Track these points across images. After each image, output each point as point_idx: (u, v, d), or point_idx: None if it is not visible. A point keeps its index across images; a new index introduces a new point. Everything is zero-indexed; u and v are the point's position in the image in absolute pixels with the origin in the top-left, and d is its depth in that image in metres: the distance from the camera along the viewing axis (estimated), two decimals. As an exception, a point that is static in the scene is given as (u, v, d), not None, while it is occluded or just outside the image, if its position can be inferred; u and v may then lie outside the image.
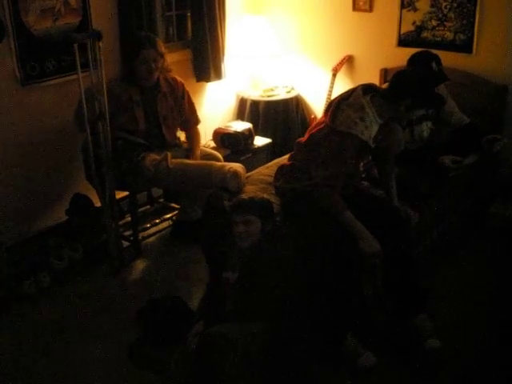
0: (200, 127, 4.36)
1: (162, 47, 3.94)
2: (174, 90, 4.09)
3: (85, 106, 3.61)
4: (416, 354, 3.05)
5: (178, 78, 4.18)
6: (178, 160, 3.87)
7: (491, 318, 3.38)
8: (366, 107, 3.08)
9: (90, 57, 3.60)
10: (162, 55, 3.93)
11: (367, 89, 3.18)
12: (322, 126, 3.21)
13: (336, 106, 3.15)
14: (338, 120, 3.09)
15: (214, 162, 3.91)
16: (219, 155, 4.20)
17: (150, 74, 3.89)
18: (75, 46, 3.54)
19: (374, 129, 3.13)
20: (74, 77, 4.00)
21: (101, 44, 3.57)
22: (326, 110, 3.24)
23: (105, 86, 3.63)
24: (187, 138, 4.30)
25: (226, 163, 3.91)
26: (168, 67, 4.08)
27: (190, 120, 4.25)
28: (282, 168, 3.51)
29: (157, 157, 3.82)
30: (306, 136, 3.35)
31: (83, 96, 3.62)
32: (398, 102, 3.06)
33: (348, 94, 3.19)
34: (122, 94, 3.88)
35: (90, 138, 3.69)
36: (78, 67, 3.56)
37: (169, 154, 3.83)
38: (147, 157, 3.80)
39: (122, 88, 3.89)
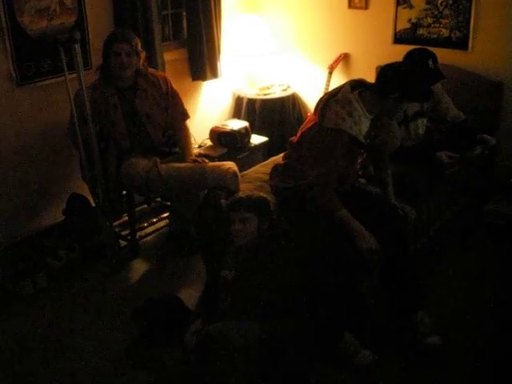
0: (197, 126, 4.35)
1: (138, 45, 3.82)
2: (156, 85, 3.93)
3: (74, 109, 3.58)
4: (415, 351, 3.05)
5: (160, 73, 4.08)
6: (169, 165, 3.78)
7: (491, 314, 3.38)
8: (353, 102, 3.08)
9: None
10: (137, 52, 3.80)
11: (355, 84, 3.18)
12: (312, 124, 3.21)
13: (324, 104, 3.15)
14: (327, 117, 3.09)
15: (205, 164, 3.89)
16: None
17: (122, 69, 3.76)
18: (60, 48, 3.49)
19: (364, 124, 3.13)
20: (70, 77, 4.01)
21: (76, 46, 3.45)
22: (316, 108, 3.24)
23: (85, 90, 3.53)
24: (178, 138, 4.08)
25: (220, 163, 3.89)
26: (144, 67, 3.92)
27: (176, 115, 4.03)
28: (276, 167, 3.51)
29: (146, 162, 3.76)
30: (298, 135, 3.35)
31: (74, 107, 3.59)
32: (386, 96, 3.05)
33: (336, 91, 3.20)
34: (99, 98, 3.78)
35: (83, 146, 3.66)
36: (65, 68, 3.50)
37: (158, 160, 3.76)
38: (135, 164, 3.74)
39: (97, 92, 3.79)
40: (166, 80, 4.02)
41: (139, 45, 3.85)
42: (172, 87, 4.03)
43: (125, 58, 3.74)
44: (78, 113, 3.60)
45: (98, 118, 3.74)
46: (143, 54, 3.89)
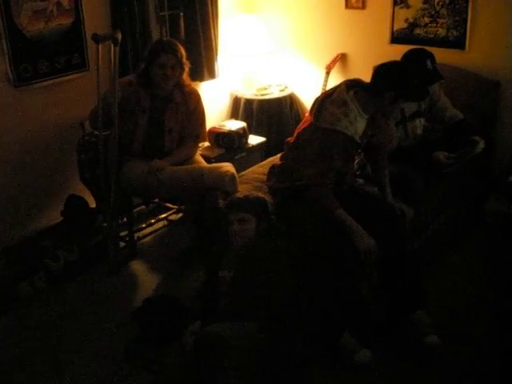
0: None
1: (183, 56, 3.78)
2: (187, 102, 3.90)
3: (101, 109, 3.58)
4: (414, 350, 3.05)
5: (195, 90, 4.03)
6: (167, 169, 3.73)
7: (489, 313, 3.38)
8: (349, 102, 3.08)
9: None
10: (181, 65, 3.77)
11: (351, 84, 3.19)
12: (308, 124, 3.21)
13: (320, 104, 3.16)
14: (322, 117, 3.10)
15: (202, 165, 3.88)
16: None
17: (165, 81, 3.74)
18: (99, 46, 3.48)
19: (360, 124, 3.13)
20: (68, 78, 4.02)
21: (116, 48, 3.46)
22: (312, 108, 3.24)
23: (117, 90, 3.54)
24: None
25: (217, 165, 3.88)
26: (187, 81, 3.91)
27: (191, 134, 3.96)
28: (273, 168, 3.51)
29: (143, 165, 3.73)
30: (295, 135, 3.36)
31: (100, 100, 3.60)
32: (381, 95, 3.06)
33: (332, 91, 3.20)
34: (131, 96, 3.76)
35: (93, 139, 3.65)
36: (98, 67, 3.50)
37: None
38: (133, 167, 3.74)
39: (131, 91, 3.76)
40: (197, 97, 3.98)
41: (184, 56, 3.80)
42: (200, 106, 3.99)
43: (169, 70, 3.72)
44: (104, 112, 3.59)
45: (121, 116, 3.69)
46: (187, 66, 3.85)
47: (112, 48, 3.44)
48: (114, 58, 3.46)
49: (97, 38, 3.48)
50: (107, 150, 3.67)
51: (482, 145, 3.88)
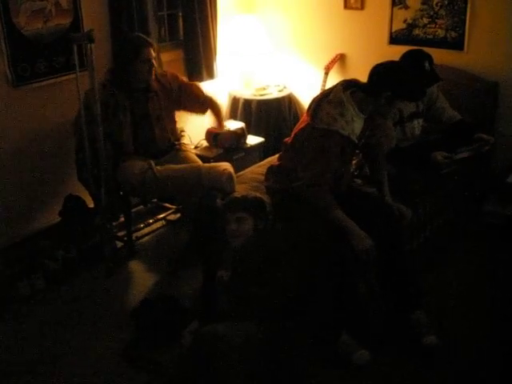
0: (193, 127, 4.34)
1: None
2: (167, 87, 3.96)
3: (83, 110, 3.58)
4: (413, 350, 3.05)
5: (168, 72, 4.10)
6: (165, 166, 3.77)
7: (489, 313, 3.38)
8: (345, 102, 3.08)
9: (85, 58, 3.58)
10: (156, 54, 3.87)
11: (348, 84, 3.19)
12: (305, 124, 3.21)
13: (317, 104, 3.16)
14: (319, 118, 3.10)
15: (201, 164, 3.89)
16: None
17: (150, 74, 3.80)
18: (74, 46, 3.50)
19: (357, 124, 3.13)
20: (66, 78, 4.01)
21: (92, 46, 3.47)
22: (308, 109, 3.24)
23: (97, 89, 3.54)
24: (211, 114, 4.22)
25: (215, 164, 3.88)
26: (159, 70, 3.98)
27: (205, 99, 4.13)
28: (271, 168, 3.51)
29: (141, 163, 3.76)
30: (292, 136, 3.36)
31: (82, 100, 3.60)
32: (378, 95, 3.06)
33: (329, 91, 3.20)
34: (109, 98, 3.77)
35: (87, 141, 3.65)
36: (77, 67, 3.52)
37: (152, 162, 3.77)
38: (131, 166, 3.74)
39: (107, 93, 3.77)
40: (175, 77, 4.06)
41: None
42: (183, 80, 4.09)
43: (153, 62, 3.79)
44: (86, 112, 3.59)
45: (105, 119, 3.70)
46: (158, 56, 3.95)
47: (88, 46, 3.45)
48: (91, 55, 3.47)
49: (71, 38, 3.53)
50: (97, 150, 3.68)
51: (492, 140, 3.89)
